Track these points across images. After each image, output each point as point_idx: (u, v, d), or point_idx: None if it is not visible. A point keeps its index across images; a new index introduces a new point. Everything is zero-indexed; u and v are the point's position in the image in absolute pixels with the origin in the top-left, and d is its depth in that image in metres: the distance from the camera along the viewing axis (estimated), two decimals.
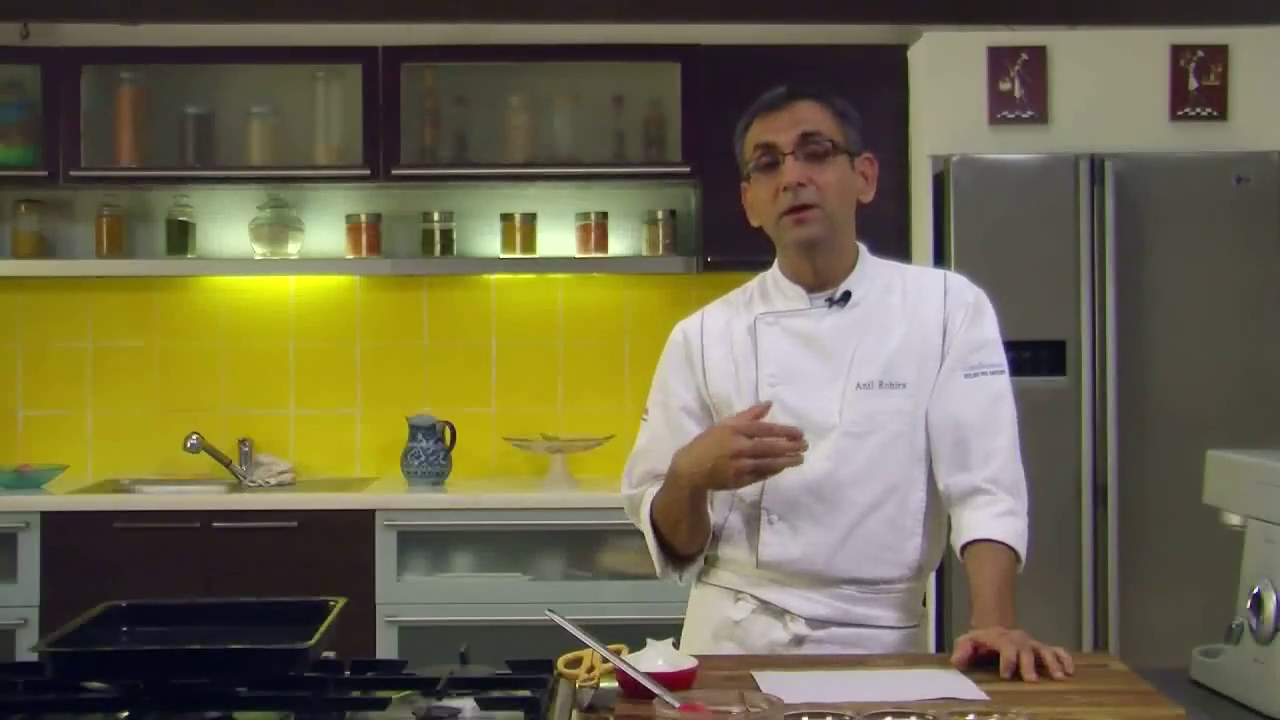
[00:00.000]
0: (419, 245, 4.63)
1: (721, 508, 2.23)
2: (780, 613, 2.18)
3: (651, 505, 2.22)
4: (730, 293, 2.36)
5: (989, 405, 2.18)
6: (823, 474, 2.15)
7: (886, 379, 2.17)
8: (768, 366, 2.21)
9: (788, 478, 2.15)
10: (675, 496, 2.15)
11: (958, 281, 2.27)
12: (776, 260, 2.28)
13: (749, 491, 2.18)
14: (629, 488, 2.34)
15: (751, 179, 2.22)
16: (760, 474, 2.06)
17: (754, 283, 2.33)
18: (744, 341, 2.25)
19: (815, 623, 2.17)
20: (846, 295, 2.21)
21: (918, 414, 2.18)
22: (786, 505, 2.17)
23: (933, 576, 3.85)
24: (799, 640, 2.16)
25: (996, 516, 2.13)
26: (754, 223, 2.26)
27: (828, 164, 2.16)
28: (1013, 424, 2.20)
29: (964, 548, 2.14)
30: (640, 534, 2.30)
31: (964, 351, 2.19)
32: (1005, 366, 2.22)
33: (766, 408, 2.08)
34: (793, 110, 2.17)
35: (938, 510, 2.21)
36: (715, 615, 2.24)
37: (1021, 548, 2.13)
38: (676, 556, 2.25)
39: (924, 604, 2.29)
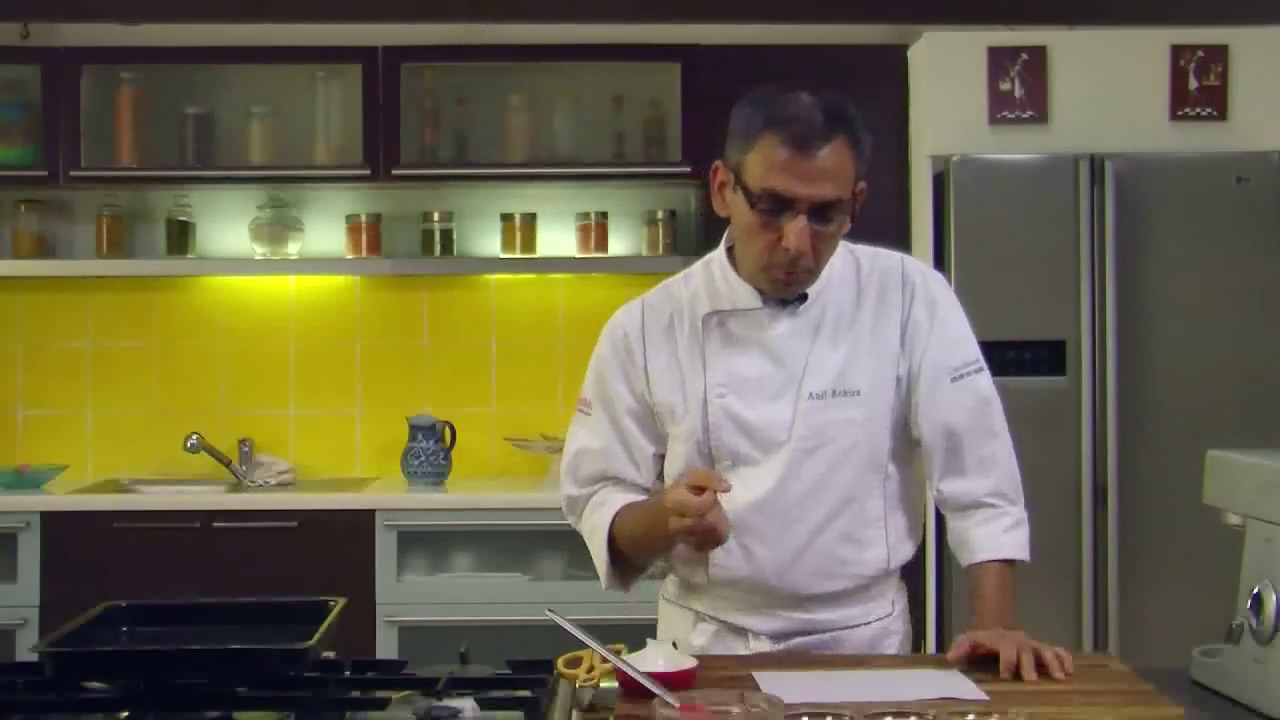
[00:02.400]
0: (419, 245, 4.63)
1: None
2: (741, 631, 2.13)
3: (614, 523, 2.13)
4: (669, 281, 2.20)
5: (978, 409, 2.12)
6: (771, 492, 2.06)
7: (839, 387, 2.07)
8: (715, 375, 2.10)
9: (737, 495, 2.02)
10: (651, 541, 2.08)
11: (917, 274, 2.15)
12: (726, 240, 2.12)
13: None
14: (574, 488, 2.21)
15: (743, 201, 2.00)
16: (713, 544, 1.99)
17: (697, 269, 2.17)
18: (689, 347, 2.12)
19: (778, 637, 2.12)
20: (802, 297, 2.08)
21: (874, 421, 2.09)
22: (735, 523, 2.03)
23: (933, 576, 3.85)
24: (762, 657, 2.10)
25: (1004, 531, 2.10)
26: (721, 213, 2.08)
27: (835, 225, 2.00)
28: (1002, 420, 2.14)
29: (971, 563, 2.11)
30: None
31: (942, 355, 2.10)
32: (982, 358, 2.14)
33: (716, 484, 1.92)
34: (823, 160, 1.94)
35: (904, 509, 2.14)
36: (680, 637, 2.16)
37: (1027, 554, 2.11)
38: (626, 569, 2.18)
39: (895, 587, 2.20)
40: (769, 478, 2.07)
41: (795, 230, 1.97)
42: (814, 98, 1.98)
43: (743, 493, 2.05)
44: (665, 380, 2.13)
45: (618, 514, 2.14)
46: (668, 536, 1.98)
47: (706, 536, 1.94)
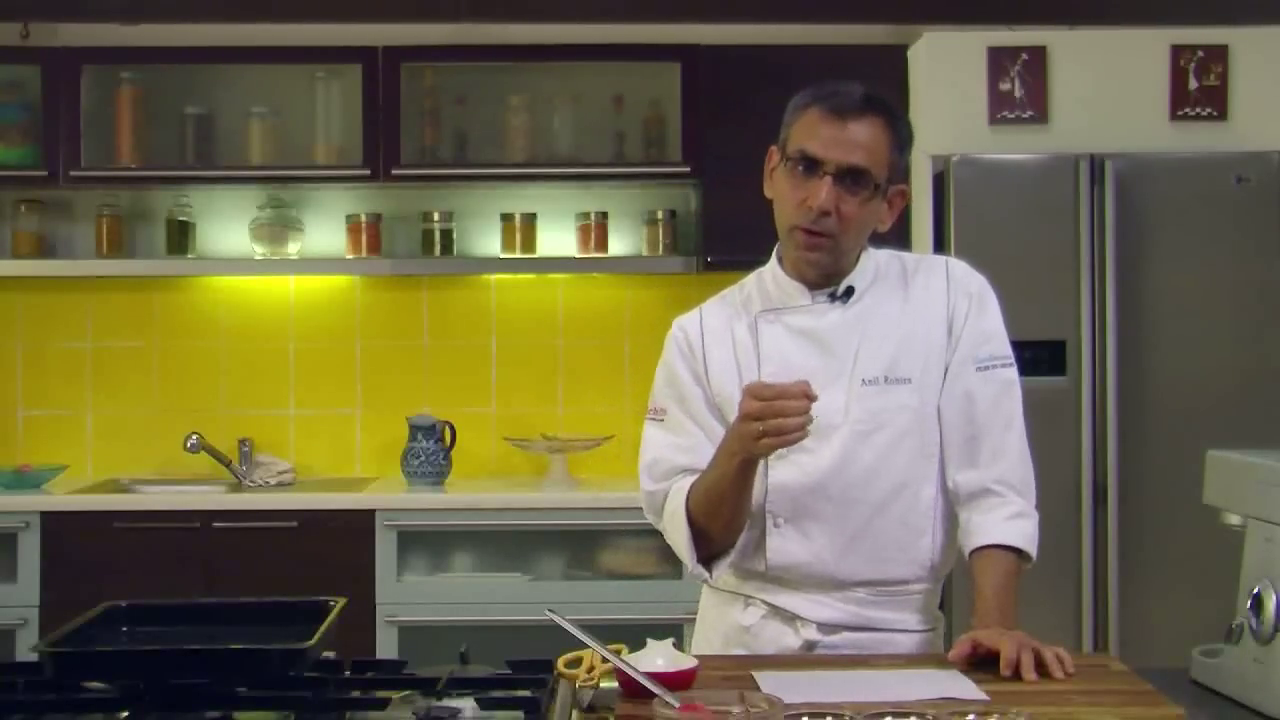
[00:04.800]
0: (419, 245, 4.63)
1: None
2: (791, 618, 2.16)
3: (689, 493, 2.14)
4: (725, 291, 2.29)
5: (999, 400, 2.16)
6: (829, 474, 2.12)
7: (892, 374, 2.14)
8: (770, 365, 2.16)
9: (793, 479, 2.13)
10: (721, 472, 2.06)
11: (960, 270, 2.23)
12: (777, 252, 2.22)
13: (754, 495, 2.14)
14: (653, 484, 2.22)
15: (783, 168, 2.13)
16: (776, 437, 1.93)
17: (751, 279, 2.26)
18: (746, 341, 2.20)
19: (827, 627, 2.14)
20: (849, 291, 2.17)
21: (925, 409, 2.15)
22: (793, 508, 2.14)
23: None
24: (810, 646, 2.13)
25: (1006, 520, 2.12)
26: (768, 194, 2.19)
27: (861, 199, 2.09)
28: (1021, 417, 2.18)
29: (972, 550, 2.13)
30: (645, 533, 2.25)
31: (972, 345, 2.17)
32: (1012, 357, 2.20)
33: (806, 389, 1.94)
34: (855, 129, 2.07)
35: (951, 508, 2.18)
36: (725, 620, 2.22)
37: (1032, 548, 2.12)
38: (708, 548, 2.15)
39: (940, 607, 2.26)
40: (825, 461, 2.12)
41: (821, 189, 2.07)
42: (860, 85, 2.11)
43: (799, 476, 2.13)
44: (724, 374, 2.20)
45: (693, 485, 2.14)
46: (731, 456, 2.01)
47: (782, 426, 1.91)
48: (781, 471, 2.14)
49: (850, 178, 2.07)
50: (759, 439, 1.95)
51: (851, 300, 2.18)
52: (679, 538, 2.17)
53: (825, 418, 2.11)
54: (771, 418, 1.93)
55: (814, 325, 2.17)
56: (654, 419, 2.25)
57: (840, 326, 2.17)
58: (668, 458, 2.21)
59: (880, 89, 2.16)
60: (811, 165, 2.08)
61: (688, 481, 2.16)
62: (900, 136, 2.12)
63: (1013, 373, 2.19)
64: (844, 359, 2.15)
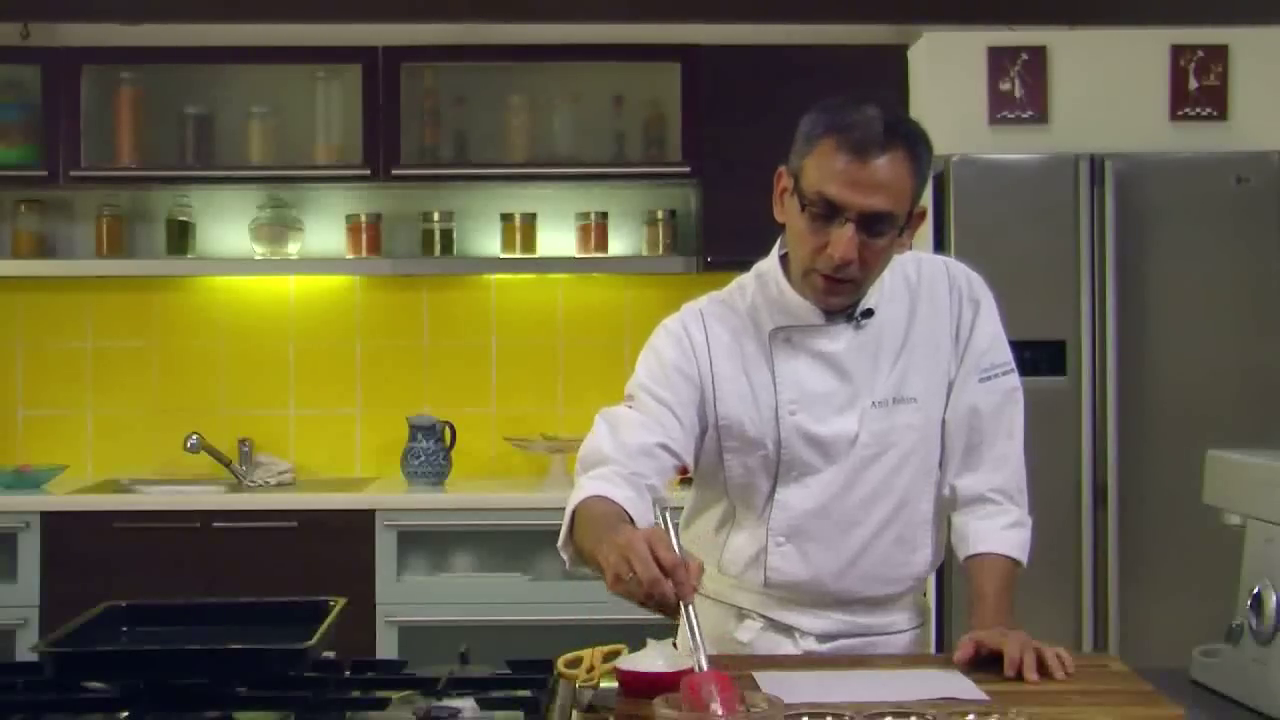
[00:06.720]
0: (419, 245, 4.63)
1: (723, 527, 2.19)
2: (788, 629, 2.15)
3: (581, 508, 1.93)
4: (723, 294, 2.18)
5: (1002, 408, 2.15)
6: (834, 498, 2.10)
7: (899, 394, 2.10)
8: (787, 393, 2.09)
9: (796, 501, 2.10)
10: (587, 552, 1.85)
11: (961, 275, 2.18)
12: (779, 251, 2.10)
13: (756, 509, 2.13)
14: (593, 447, 2.06)
15: (798, 206, 1.99)
16: (641, 598, 1.68)
17: (750, 282, 2.15)
18: (758, 362, 2.11)
19: (824, 638, 2.14)
20: (868, 312, 2.09)
21: (929, 427, 2.12)
22: (795, 529, 2.11)
23: (932, 577, 3.86)
24: (808, 655, 2.13)
25: (1003, 529, 2.12)
26: (779, 219, 2.06)
27: (884, 241, 1.98)
28: (1021, 423, 2.17)
29: (969, 555, 2.13)
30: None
31: (976, 356, 2.14)
32: (1012, 361, 2.17)
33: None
34: (878, 169, 1.93)
35: (940, 513, 2.18)
36: (719, 633, 2.17)
37: (1024, 556, 2.13)
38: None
39: (939, 606, 2.27)
40: (833, 484, 2.10)
41: (843, 238, 1.96)
42: (878, 110, 1.96)
43: (803, 499, 2.10)
44: (734, 392, 2.11)
45: (596, 498, 1.93)
46: (593, 558, 1.78)
47: (660, 600, 1.67)
48: (786, 493, 2.12)
49: (873, 221, 1.95)
50: (623, 588, 1.68)
51: (868, 322, 2.10)
52: (565, 521, 1.96)
53: (837, 444, 2.09)
54: (656, 591, 1.65)
55: (830, 349, 2.09)
56: (625, 406, 2.12)
57: (855, 349, 2.09)
58: (599, 448, 2.04)
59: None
60: (831, 210, 1.95)
61: (607, 479, 1.97)
62: (922, 163, 1.99)
63: (1014, 378, 2.17)
64: (859, 383, 2.10)
